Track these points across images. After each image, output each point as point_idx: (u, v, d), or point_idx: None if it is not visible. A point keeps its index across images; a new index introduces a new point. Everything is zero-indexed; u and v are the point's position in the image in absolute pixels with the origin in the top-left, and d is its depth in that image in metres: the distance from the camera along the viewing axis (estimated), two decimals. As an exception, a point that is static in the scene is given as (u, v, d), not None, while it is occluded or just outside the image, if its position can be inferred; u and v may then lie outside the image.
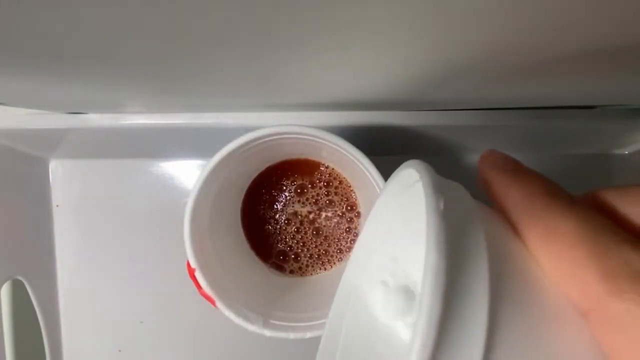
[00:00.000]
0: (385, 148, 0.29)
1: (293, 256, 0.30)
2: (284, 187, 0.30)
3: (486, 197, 0.16)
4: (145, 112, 0.28)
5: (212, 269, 0.25)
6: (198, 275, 0.24)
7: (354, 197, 0.30)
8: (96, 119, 0.28)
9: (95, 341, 0.34)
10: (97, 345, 0.34)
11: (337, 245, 0.30)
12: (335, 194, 0.30)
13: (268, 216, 0.30)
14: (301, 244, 0.30)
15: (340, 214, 0.30)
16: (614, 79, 0.17)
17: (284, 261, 0.30)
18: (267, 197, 0.30)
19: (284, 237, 0.30)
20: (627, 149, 0.31)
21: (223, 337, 0.33)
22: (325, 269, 0.30)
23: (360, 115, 0.27)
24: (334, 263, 0.30)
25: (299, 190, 0.30)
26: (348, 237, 0.30)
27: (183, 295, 0.32)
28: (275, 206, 0.30)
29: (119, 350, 0.34)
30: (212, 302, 0.24)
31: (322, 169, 0.30)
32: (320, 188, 0.30)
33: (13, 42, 0.11)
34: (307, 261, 0.30)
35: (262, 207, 0.30)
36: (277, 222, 0.30)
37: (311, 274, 0.30)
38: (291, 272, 0.30)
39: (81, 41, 0.11)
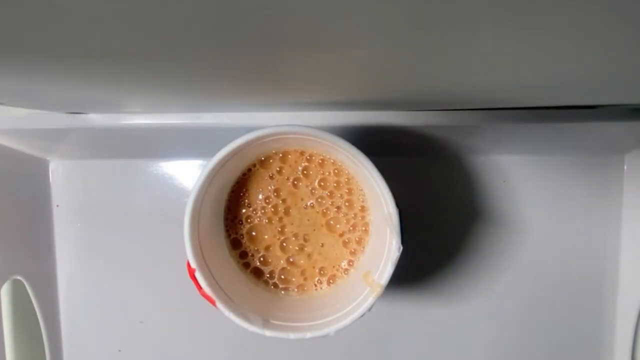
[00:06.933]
0: (385, 148, 0.29)
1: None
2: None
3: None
4: (145, 112, 0.28)
5: (212, 269, 0.25)
6: (198, 275, 0.24)
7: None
8: (96, 119, 0.28)
9: (95, 341, 0.34)
10: (97, 345, 0.34)
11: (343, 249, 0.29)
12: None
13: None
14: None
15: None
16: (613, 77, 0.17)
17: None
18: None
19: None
20: (627, 150, 0.31)
21: (223, 337, 0.33)
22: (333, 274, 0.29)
23: (360, 115, 0.27)
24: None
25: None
26: (353, 235, 0.29)
27: (183, 295, 0.32)
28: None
29: (119, 350, 0.34)
30: (212, 303, 0.24)
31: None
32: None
33: (14, 42, 0.11)
34: (309, 274, 0.29)
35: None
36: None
37: (315, 287, 0.29)
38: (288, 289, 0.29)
39: (81, 41, 0.11)
